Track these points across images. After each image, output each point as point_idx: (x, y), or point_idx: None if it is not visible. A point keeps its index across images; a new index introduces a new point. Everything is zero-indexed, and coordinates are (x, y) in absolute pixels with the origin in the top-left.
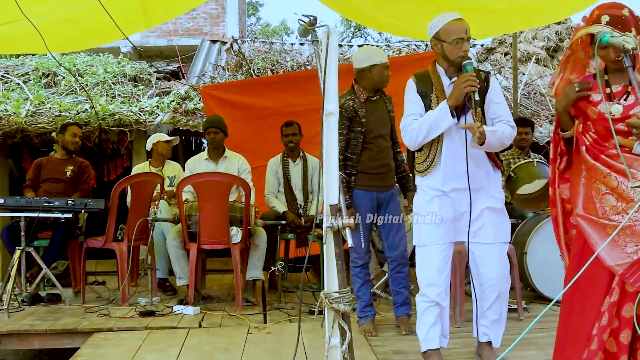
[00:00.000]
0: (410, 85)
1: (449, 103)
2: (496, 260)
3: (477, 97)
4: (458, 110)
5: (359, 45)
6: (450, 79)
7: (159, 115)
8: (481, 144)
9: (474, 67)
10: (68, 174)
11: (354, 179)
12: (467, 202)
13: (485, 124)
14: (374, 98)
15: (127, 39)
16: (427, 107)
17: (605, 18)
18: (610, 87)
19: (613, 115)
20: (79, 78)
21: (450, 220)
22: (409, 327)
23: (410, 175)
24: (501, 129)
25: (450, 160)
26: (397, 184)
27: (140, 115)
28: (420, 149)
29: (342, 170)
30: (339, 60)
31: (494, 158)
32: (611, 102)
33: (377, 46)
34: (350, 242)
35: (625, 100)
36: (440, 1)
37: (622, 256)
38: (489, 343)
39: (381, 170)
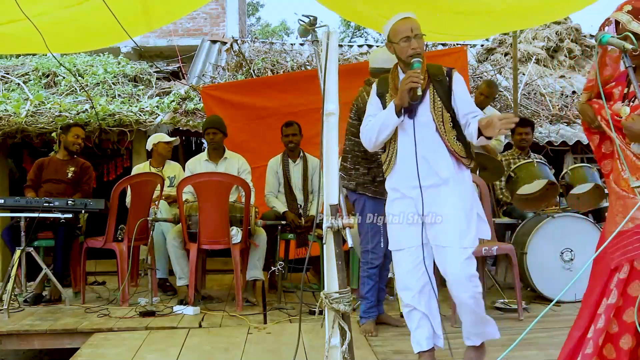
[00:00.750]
0: (372, 88)
1: (395, 102)
2: (451, 264)
3: (419, 92)
4: (408, 107)
5: (359, 46)
6: None
7: (159, 115)
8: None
9: (435, 64)
10: (70, 175)
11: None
12: (428, 201)
13: (450, 118)
14: None
15: (133, 40)
16: (383, 107)
17: (627, 7)
18: (628, 87)
19: (620, 118)
20: (79, 78)
21: (418, 222)
22: (399, 320)
23: None
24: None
25: (405, 159)
26: None
27: (140, 115)
28: (383, 150)
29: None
30: (339, 61)
31: (457, 154)
32: (622, 103)
33: (378, 46)
34: (350, 243)
35: (633, 101)
36: (436, 4)
37: (612, 223)
38: (474, 347)
39: None
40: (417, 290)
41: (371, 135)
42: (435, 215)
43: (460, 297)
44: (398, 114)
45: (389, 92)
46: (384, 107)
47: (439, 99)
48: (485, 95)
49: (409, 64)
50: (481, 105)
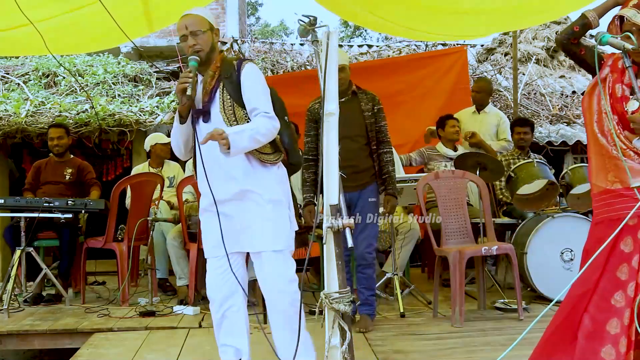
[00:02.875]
0: None
1: (178, 108)
2: (268, 269)
3: (188, 92)
4: (203, 111)
5: (359, 46)
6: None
7: (159, 115)
8: (229, 149)
9: (230, 59)
10: (67, 177)
11: None
12: (230, 210)
13: (246, 115)
14: (342, 99)
15: (133, 42)
16: None
17: (633, 1)
18: (598, 77)
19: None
20: (79, 78)
21: (229, 230)
22: (365, 325)
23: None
24: (253, 125)
25: (207, 164)
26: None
27: (140, 115)
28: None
29: (314, 170)
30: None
31: (257, 152)
32: (631, 97)
33: (378, 46)
34: (350, 243)
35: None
36: (432, 6)
37: (602, 179)
38: None
39: (346, 170)
40: (220, 300)
41: (175, 144)
42: (249, 222)
43: (278, 304)
44: (181, 120)
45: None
46: None
47: (228, 97)
48: (476, 91)
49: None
50: (478, 103)
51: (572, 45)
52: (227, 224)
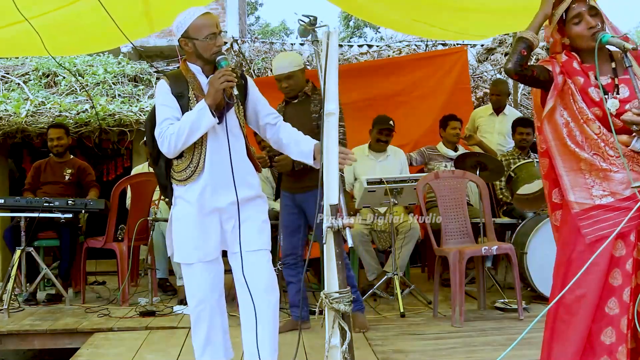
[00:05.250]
0: (163, 87)
1: (207, 102)
2: (263, 268)
3: (236, 92)
4: (220, 109)
5: (359, 46)
6: (207, 77)
7: None
8: None
9: (229, 63)
10: (67, 177)
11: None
12: (242, 211)
13: (247, 122)
14: (295, 101)
15: (132, 44)
16: (185, 108)
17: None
18: (598, 80)
19: (610, 110)
20: (79, 78)
21: (218, 234)
22: (362, 324)
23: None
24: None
25: (217, 166)
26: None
27: (140, 115)
28: (180, 156)
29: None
30: (339, 61)
31: (254, 159)
32: (606, 97)
33: (378, 46)
34: (350, 243)
35: (617, 93)
36: (439, 1)
37: (585, 195)
38: None
39: (296, 172)
40: (209, 304)
41: (177, 140)
42: (253, 222)
43: (270, 302)
44: (213, 114)
45: (191, 91)
46: (185, 107)
47: (240, 103)
48: (496, 94)
49: (212, 62)
50: (497, 105)
51: (525, 70)
52: (225, 226)
